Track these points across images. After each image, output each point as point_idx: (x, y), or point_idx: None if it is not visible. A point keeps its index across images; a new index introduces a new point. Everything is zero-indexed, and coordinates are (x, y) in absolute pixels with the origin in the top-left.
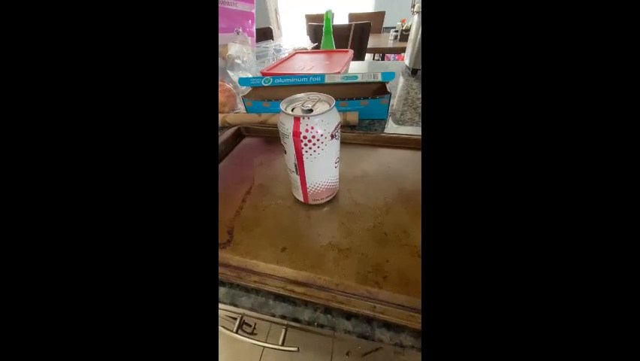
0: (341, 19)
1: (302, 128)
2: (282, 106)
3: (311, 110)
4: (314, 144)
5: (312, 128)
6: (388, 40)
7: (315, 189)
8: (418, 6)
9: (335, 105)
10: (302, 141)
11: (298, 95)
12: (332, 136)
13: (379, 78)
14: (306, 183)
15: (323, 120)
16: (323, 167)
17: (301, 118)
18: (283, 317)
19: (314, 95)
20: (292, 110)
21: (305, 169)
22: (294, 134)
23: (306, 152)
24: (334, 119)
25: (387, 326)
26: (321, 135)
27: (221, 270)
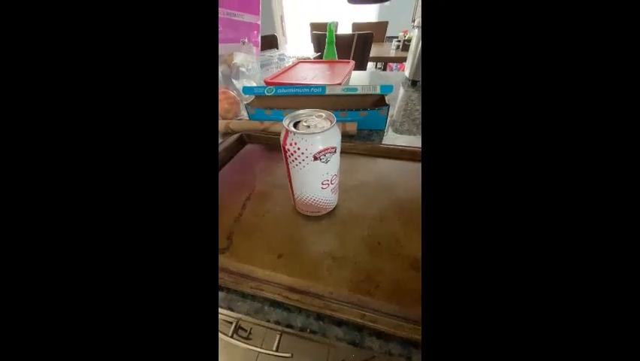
0: (345, 29)
1: (287, 142)
2: (286, 117)
3: (307, 127)
4: (295, 159)
5: (295, 144)
6: (391, 49)
7: (301, 200)
8: (419, 20)
9: (323, 131)
10: (287, 152)
11: (308, 110)
12: (315, 158)
13: (378, 91)
14: (293, 191)
15: (306, 140)
16: (307, 184)
17: (289, 132)
18: (277, 322)
19: (321, 114)
20: (293, 124)
21: (291, 179)
22: (282, 145)
23: (291, 163)
24: (319, 142)
25: (378, 334)
26: (302, 154)
27: (219, 275)
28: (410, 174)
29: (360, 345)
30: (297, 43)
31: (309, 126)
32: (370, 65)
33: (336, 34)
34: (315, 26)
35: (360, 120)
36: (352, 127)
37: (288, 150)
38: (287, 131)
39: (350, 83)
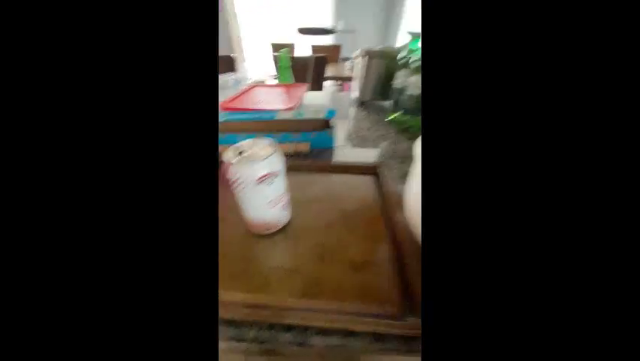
0: (306, 50)
1: (230, 172)
2: (228, 150)
3: (247, 157)
4: (239, 186)
5: (236, 173)
6: (345, 69)
7: (251, 221)
8: (358, 52)
9: (264, 159)
10: (229, 181)
11: (250, 141)
12: (259, 182)
13: (323, 115)
14: (244, 214)
15: (246, 170)
16: (254, 206)
17: (228, 164)
18: (231, 339)
19: (260, 142)
20: (236, 154)
21: (240, 202)
22: (224, 177)
23: (236, 189)
24: (260, 169)
25: (321, 332)
26: (243, 182)
27: None
28: (356, 187)
29: (305, 344)
30: (257, 63)
31: (249, 156)
32: (330, 82)
33: (293, 57)
34: (276, 47)
35: (312, 140)
36: (305, 146)
37: (230, 179)
38: (227, 163)
39: (307, 103)
